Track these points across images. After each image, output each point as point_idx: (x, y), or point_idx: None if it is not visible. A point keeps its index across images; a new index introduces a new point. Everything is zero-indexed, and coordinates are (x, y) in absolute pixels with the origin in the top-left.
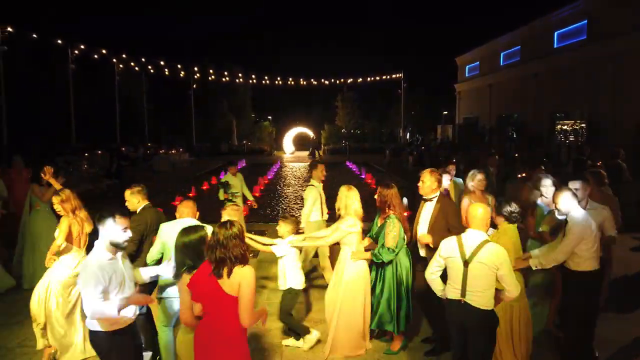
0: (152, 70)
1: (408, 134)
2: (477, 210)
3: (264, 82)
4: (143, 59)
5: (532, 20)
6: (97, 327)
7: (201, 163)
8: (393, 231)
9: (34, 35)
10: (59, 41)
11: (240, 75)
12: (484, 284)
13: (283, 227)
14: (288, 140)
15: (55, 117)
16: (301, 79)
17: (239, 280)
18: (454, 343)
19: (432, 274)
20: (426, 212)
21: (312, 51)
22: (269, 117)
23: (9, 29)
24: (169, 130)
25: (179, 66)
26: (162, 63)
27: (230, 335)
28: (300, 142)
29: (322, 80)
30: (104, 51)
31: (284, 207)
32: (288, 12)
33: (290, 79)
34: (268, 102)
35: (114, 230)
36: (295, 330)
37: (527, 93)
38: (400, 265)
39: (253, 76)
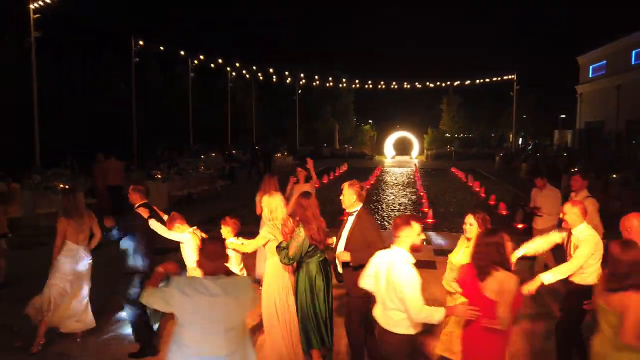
0: (261, 78)
1: (520, 139)
2: None
3: (366, 86)
4: (254, 67)
5: None
6: (408, 330)
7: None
8: (296, 240)
9: (161, 48)
10: (182, 52)
11: (344, 80)
12: None
13: (223, 229)
14: (389, 145)
15: (177, 122)
16: (404, 82)
17: (497, 285)
18: None
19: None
20: (346, 227)
21: (416, 51)
22: (370, 121)
23: (140, 42)
24: (275, 133)
25: (286, 73)
26: (270, 70)
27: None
28: (402, 147)
29: (426, 82)
30: (220, 60)
31: (384, 214)
32: (392, 11)
33: (394, 83)
34: (369, 106)
35: (415, 233)
36: None
37: None
38: (311, 277)
39: (357, 81)
